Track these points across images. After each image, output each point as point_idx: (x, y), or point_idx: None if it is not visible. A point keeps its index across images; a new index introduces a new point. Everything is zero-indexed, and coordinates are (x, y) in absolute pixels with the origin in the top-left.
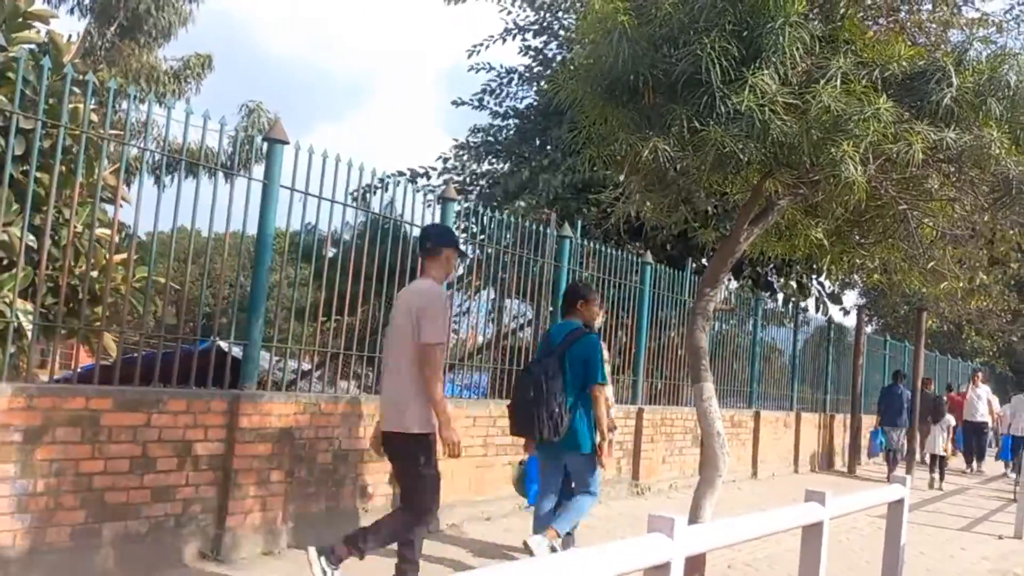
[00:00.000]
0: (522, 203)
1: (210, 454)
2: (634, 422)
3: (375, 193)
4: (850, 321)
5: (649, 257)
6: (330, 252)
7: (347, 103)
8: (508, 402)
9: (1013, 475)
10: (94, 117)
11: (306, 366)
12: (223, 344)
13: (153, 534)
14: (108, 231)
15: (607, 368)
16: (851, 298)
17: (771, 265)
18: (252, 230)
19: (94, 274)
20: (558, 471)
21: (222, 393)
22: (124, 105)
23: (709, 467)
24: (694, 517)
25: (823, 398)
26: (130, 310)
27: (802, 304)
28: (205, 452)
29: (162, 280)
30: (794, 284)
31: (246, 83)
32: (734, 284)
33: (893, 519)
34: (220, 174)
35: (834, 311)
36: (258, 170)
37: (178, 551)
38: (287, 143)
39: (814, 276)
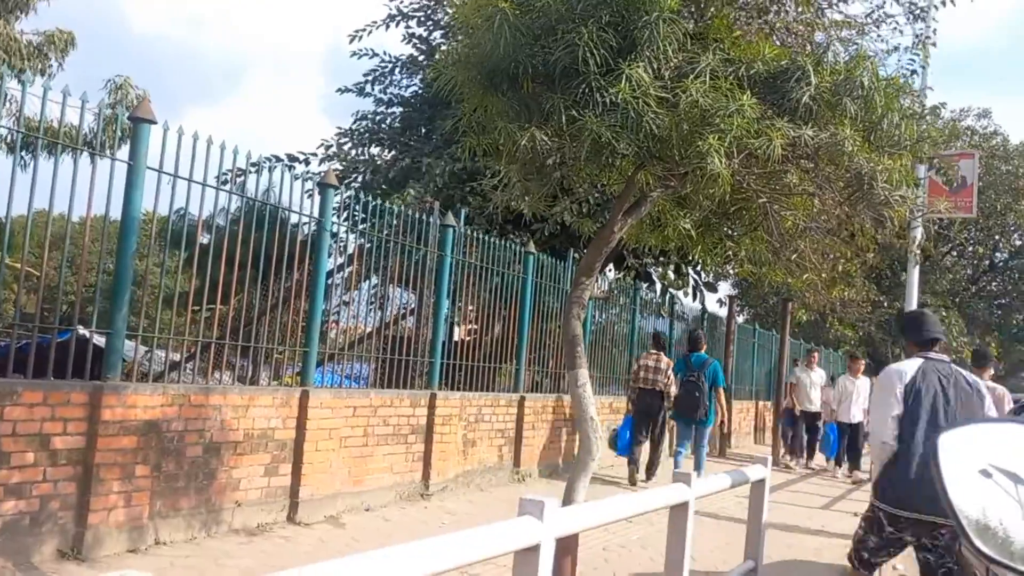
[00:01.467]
0: (411, 191)
1: (70, 448)
2: (516, 410)
3: (252, 178)
4: (723, 311)
5: (532, 247)
6: (203, 238)
7: (222, 85)
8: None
9: (840, 472)
10: None
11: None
12: (85, 333)
13: (7, 533)
14: None
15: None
16: (724, 288)
17: (650, 255)
18: (117, 214)
19: None
20: (690, 434)
21: (83, 384)
22: None
23: (583, 451)
24: (568, 500)
25: None
26: None
27: (679, 293)
28: (64, 446)
29: (18, 266)
30: (671, 274)
31: (112, 61)
32: (612, 274)
33: (755, 498)
34: (82, 154)
35: (709, 301)
36: (125, 151)
37: (35, 550)
38: (154, 122)
39: (689, 266)
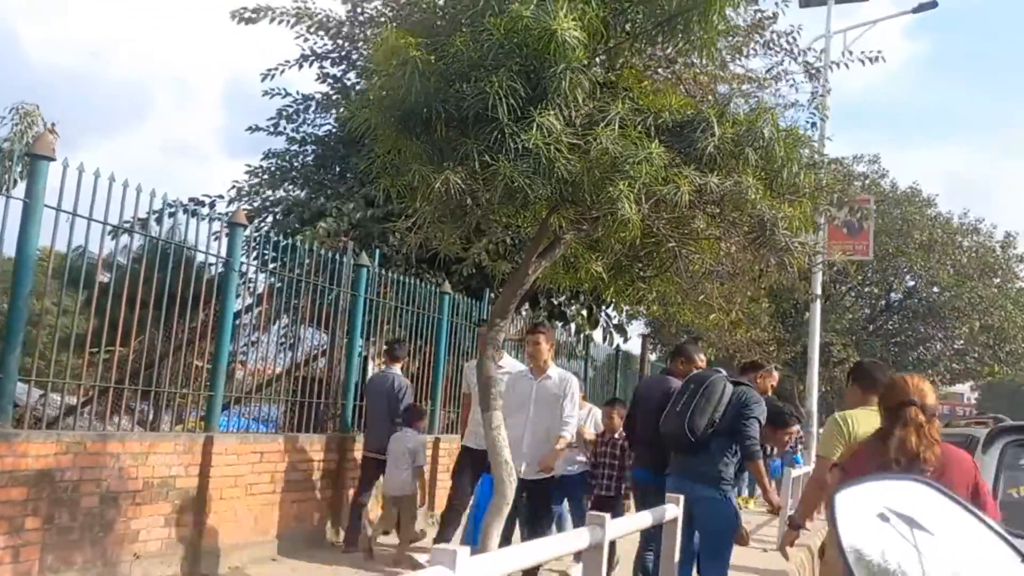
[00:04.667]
0: (322, 225)
1: None
2: (431, 452)
3: (157, 219)
4: (636, 349)
5: (447, 287)
6: (104, 277)
7: (121, 116)
8: None
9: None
10: None
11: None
12: None
13: None
14: None
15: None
16: (637, 328)
17: (564, 296)
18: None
19: None
20: None
21: None
22: None
23: (497, 495)
24: (482, 547)
25: None
26: None
27: (590, 334)
28: None
29: None
30: (584, 314)
31: (8, 89)
32: (527, 314)
33: (668, 537)
34: None
35: (621, 341)
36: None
37: None
38: (52, 159)
39: (602, 307)
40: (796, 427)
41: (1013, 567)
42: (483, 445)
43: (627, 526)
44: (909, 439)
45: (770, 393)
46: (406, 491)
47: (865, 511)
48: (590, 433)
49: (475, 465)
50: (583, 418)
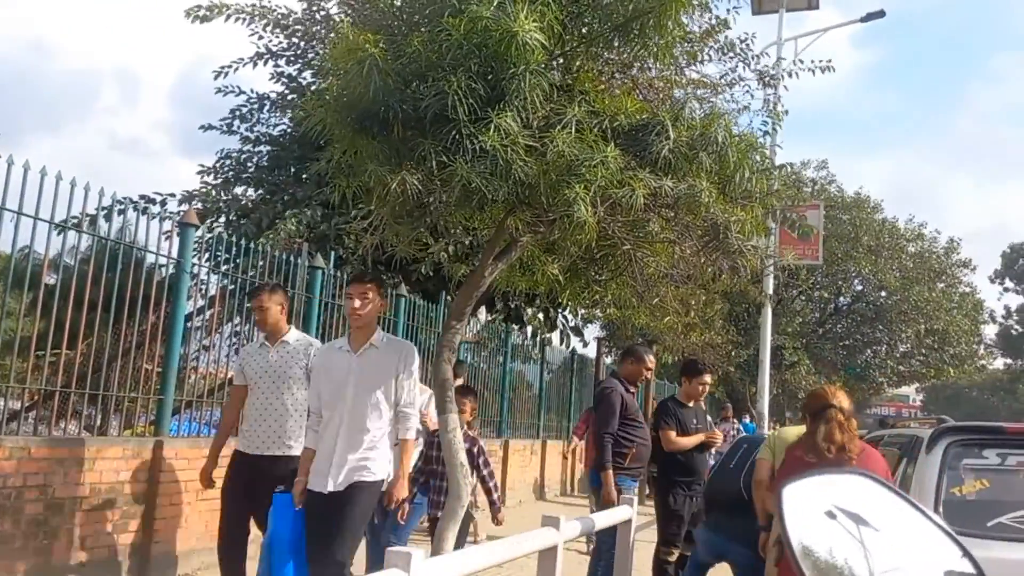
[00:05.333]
0: (282, 231)
1: None
2: None
3: (106, 217)
4: (592, 352)
5: (404, 289)
6: (50, 278)
7: (67, 112)
8: None
9: None
10: None
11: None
12: None
13: None
14: None
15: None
16: (593, 331)
17: (521, 299)
18: None
19: None
20: None
21: None
22: None
23: (452, 498)
24: (437, 549)
25: (567, 425)
26: None
27: (547, 336)
28: None
29: None
30: (540, 317)
31: None
32: (484, 316)
33: (622, 537)
34: None
35: (578, 343)
36: None
37: None
38: None
39: (559, 310)
40: (708, 377)
41: (955, 561)
42: (261, 450)
43: (581, 527)
44: (834, 432)
45: None
46: None
47: (812, 507)
48: (433, 422)
49: (258, 478)
50: (423, 403)
